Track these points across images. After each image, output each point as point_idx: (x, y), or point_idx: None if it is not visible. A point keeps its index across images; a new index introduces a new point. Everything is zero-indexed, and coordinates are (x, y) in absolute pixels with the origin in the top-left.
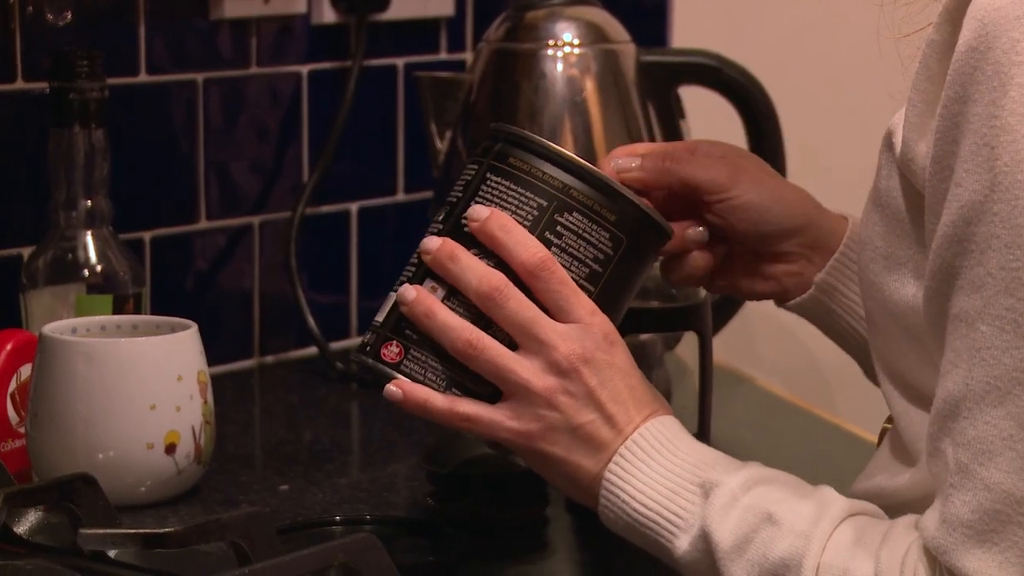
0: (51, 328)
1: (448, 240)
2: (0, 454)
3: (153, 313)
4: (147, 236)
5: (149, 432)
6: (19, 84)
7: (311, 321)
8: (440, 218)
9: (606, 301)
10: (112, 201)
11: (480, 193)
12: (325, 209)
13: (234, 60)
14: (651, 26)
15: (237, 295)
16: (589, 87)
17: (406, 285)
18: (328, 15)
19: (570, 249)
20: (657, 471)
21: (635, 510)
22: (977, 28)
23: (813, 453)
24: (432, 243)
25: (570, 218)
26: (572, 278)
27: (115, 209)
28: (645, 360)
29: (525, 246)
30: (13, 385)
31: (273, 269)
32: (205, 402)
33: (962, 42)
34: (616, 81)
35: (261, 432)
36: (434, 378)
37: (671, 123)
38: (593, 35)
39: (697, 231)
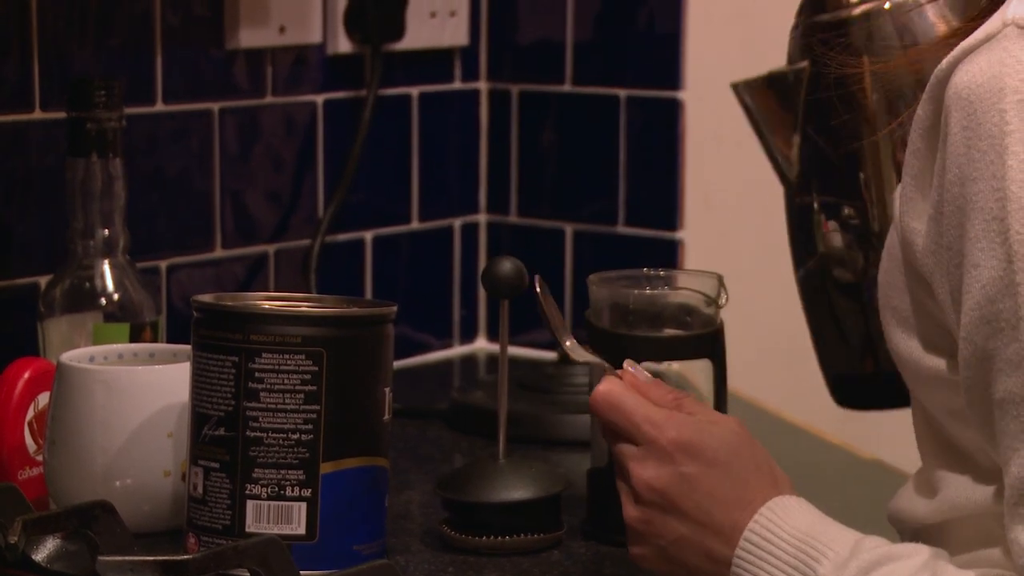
0: (69, 356)
1: None
2: (18, 482)
3: (170, 341)
4: (163, 264)
5: (166, 460)
6: (37, 114)
7: None
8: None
9: (339, 409)
10: (129, 230)
11: (193, 376)
12: (340, 237)
13: (250, 90)
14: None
15: None
16: None
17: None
18: (343, 45)
19: (275, 387)
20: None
21: None
22: (965, 107)
23: (827, 481)
24: None
25: (261, 361)
26: (291, 409)
27: (132, 238)
28: None
29: None
30: (31, 413)
31: None
32: None
33: (953, 124)
34: None
35: None
36: None
37: None
38: None
39: None
